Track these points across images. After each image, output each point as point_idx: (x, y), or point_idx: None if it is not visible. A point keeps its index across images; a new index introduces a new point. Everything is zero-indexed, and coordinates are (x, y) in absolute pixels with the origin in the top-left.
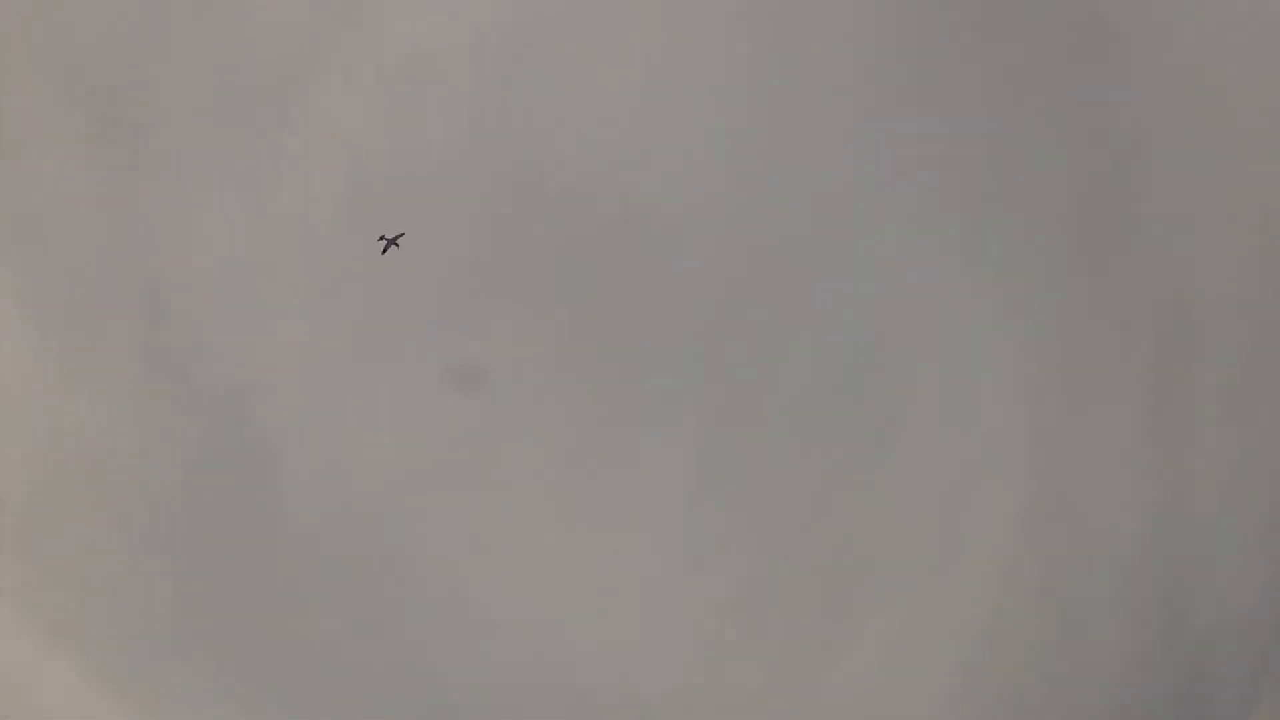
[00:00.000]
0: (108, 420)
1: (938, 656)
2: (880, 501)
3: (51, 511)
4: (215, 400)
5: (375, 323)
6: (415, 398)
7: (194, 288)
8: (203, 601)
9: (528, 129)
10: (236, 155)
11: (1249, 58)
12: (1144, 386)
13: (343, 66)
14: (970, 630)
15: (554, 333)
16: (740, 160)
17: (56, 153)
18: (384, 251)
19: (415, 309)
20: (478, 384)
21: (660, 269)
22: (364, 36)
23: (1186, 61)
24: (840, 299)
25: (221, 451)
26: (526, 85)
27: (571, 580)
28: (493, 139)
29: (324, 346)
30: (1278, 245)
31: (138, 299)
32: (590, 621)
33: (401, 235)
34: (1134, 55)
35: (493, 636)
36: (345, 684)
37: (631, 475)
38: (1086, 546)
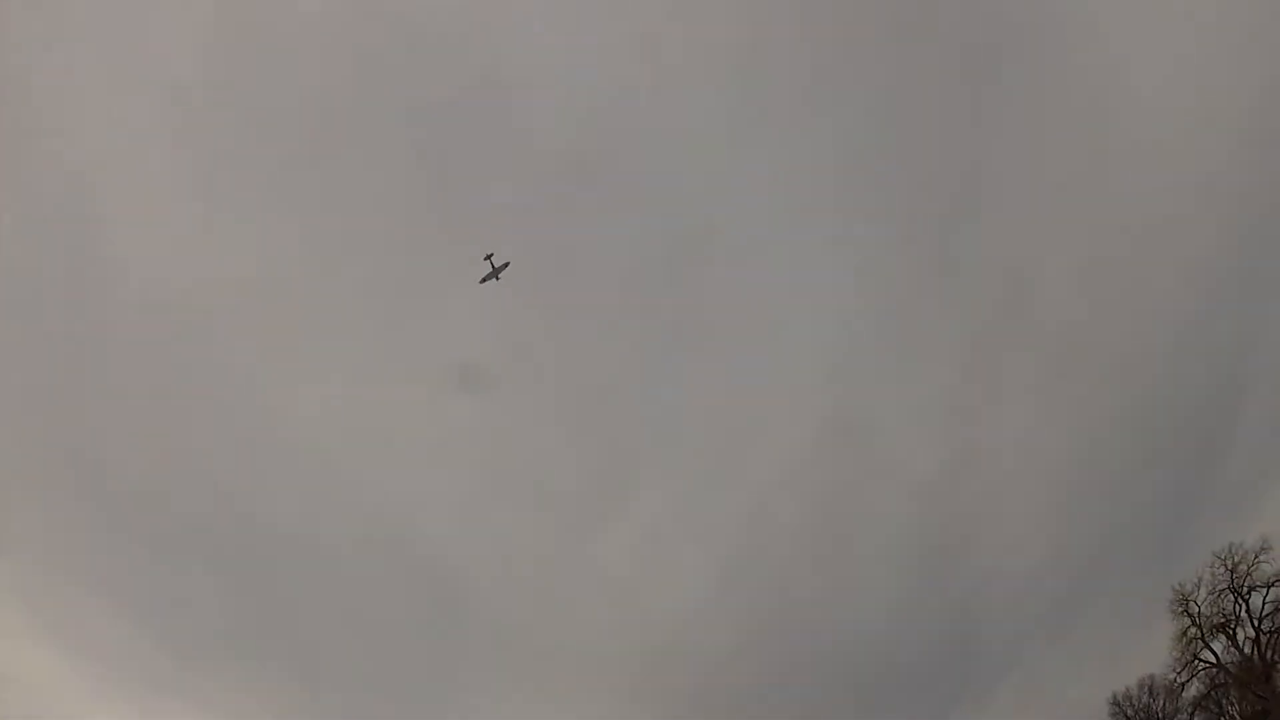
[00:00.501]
0: None
1: (705, 540)
2: (678, 389)
3: None
4: (57, 197)
5: (226, 156)
6: (251, 227)
7: (52, 91)
8: (20, 397)
9: None
10: None
11: (1101, 76)
12: (964, 348)
13: None
14: (744, 524)
15: (389, 179)
16: (612, 41)
17: None
18: (483, 279)
19: (264, 147)
20: (311, 220)
21: (508, 135)
22: None
23: (1047, 75)
24: (680, 196)
25: (56, 250)
26: None
27: (368, 415)
28: None
29: (171, 166)
30: (1115, 248)
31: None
32: (382, 456)
33: (506, 266)
34: (1003, 68)
35: (292, 461)
36: (148, 492)
37: (438, 325)
38: (876, 471)
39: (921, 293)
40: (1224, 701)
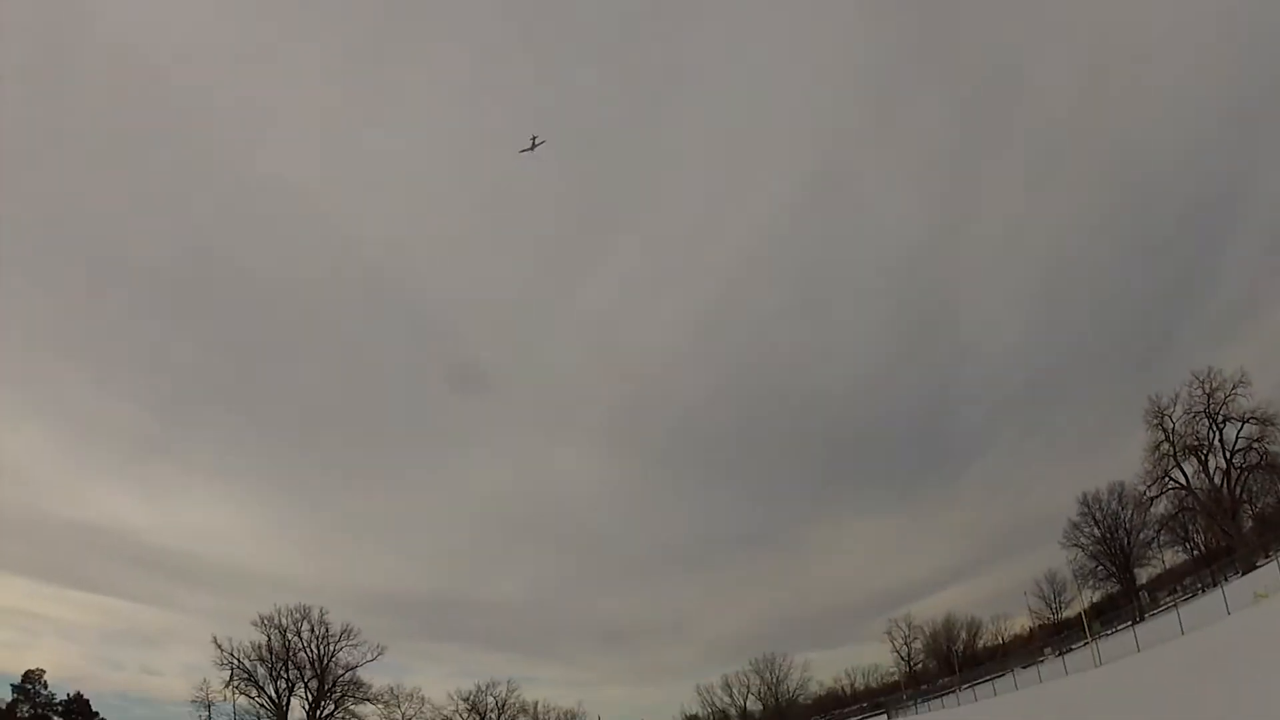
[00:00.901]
0: None
1: (686, 288)
2: (665, 135)
3: None
4: None
5: None
6: None
7: None
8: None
9: None
10: None
11: None
12: (953, 131)
13: None
14: (726, 276)
15: None
16: None
17: None
18: (521, 150)
19: None
20: None
21: None
22: None
23: None
24: None
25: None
26: None
27: (350, 156)
28: None
29: None
30: (1117, 55)
31: None
32: (365, 198)
33: (543, 143)
34: None
35: (272, 205)
36: (119, 248)
37: (423, 73)
38: (860, 235)
39: (915, 73)
40: (1190, 526)
